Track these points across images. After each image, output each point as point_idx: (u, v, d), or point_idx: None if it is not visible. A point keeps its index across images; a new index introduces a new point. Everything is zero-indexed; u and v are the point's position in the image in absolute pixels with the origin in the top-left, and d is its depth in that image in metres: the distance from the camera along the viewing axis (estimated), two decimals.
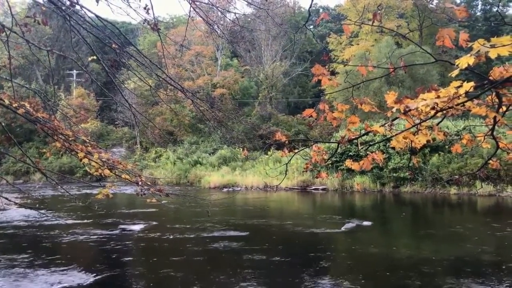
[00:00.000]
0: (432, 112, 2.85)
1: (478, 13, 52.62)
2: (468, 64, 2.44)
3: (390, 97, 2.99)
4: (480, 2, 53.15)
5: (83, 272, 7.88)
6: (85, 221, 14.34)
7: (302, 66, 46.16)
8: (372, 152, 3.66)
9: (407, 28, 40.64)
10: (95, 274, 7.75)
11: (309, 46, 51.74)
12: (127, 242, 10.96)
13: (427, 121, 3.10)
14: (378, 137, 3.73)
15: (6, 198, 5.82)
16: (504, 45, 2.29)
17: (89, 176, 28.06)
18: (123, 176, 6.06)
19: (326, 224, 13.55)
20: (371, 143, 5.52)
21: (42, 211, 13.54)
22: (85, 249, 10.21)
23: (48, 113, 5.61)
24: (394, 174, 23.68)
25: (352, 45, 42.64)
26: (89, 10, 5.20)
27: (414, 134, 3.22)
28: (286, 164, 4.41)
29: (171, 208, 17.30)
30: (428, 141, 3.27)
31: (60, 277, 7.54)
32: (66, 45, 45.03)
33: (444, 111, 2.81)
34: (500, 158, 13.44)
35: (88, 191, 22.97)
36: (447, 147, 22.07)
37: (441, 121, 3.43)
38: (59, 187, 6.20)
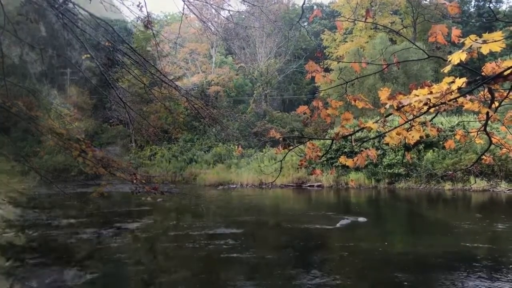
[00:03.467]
0: (425, 108, 2.87)
1: (472, 9, 52.78)
2: (461, 60, 2.45)
3: (383, 94, 3.00)
4: None
5: (79, 270, 7.85)
6: (80, 219, 14.28)
7: (296, 63, 46.12)
8: (366, 149, 3.68)
9: (401, 24, 40.73)
10: (90, 273, 7.73)
11: (303, 43, 51.70)
12: (122, 240, 10.94)
13: (420, 117, 3.12)
14: (373, 133, 3.75)
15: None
16: (495, 41, 2.30)
17: (84, 175, 27.87)
18: (118, 174, 6.05)
19: (321, 221, 13.58)
20: (365, 140, 5.54)
21: (36, 210, 13.47)
22: (80, 248, 10.17)
23: (42, 112, 5.58)
24: (388, 170, 23.78)
25: (346, 41, 42.68)
26: (82, 8, 5.18)
27: (407, 130, 3.24)
28: (281, 161, 4.41)
29: (166, 206, 17.28)
30: (421, 137, 3.29)
31: (55, 276, 7.52)
32: (60, 44, 44.68)
33: (437, 107, 2.83)
34: (494, 154, 13.57)
35: (83, 189, 22.86)
36: (441, 143, 22.16)
37: (434, 117, 3.45)
38: (54, 185, 6.19)
